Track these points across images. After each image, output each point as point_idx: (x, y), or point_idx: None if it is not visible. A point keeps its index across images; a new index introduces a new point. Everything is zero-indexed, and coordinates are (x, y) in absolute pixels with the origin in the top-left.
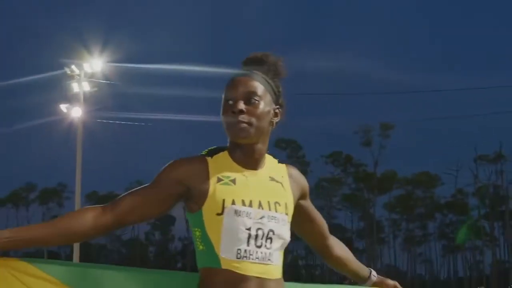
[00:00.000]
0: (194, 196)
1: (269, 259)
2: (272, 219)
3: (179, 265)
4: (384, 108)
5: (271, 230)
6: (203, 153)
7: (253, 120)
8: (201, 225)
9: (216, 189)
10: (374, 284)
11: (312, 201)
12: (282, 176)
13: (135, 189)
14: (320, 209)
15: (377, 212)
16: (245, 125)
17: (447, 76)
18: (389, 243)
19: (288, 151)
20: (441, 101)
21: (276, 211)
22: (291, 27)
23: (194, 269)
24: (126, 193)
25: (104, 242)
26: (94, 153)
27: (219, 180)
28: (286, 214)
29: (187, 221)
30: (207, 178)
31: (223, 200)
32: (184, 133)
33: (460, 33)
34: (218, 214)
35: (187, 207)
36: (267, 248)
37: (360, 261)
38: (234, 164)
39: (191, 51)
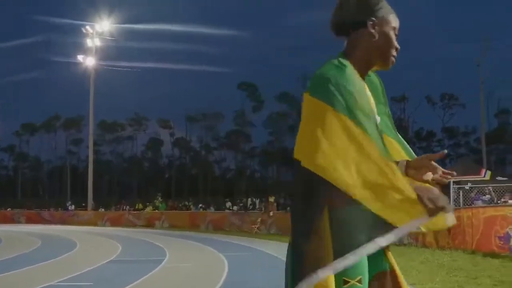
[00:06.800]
0: None
1: None
2: None
3: (166, 175)
4: (321, 58)
5: None
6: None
7: None
8: None
9: None
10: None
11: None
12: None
13: None
14: (271, 134)
15: None
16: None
17: None
18: None
19: (247, 92)
20: None
21: None
22: None
23: (178, 179)
24: None
25: (110, 159)
26: (103, 91)
27: None
28: None
29: (172, 143)
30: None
31: None
32: (168, 78)
33: None
34: None
35: None
36: None
37: None
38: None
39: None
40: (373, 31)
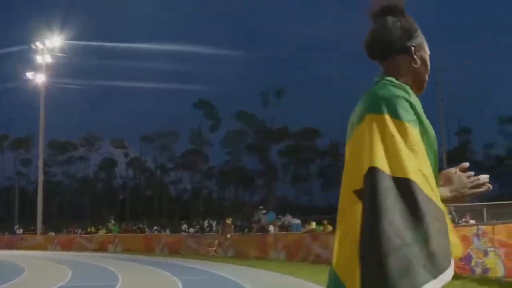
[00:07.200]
0: None
1: None
2: None
3: (120, 197)
4: (280, 77)
5: None
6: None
7: None
8: None
9: None
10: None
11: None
12: None
13: None
14: (228, 154)
15: (273, 157)
16: None
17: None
18: (281, 180)
19: (204, 110)
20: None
21: None
22: None
23: (132, 201)
24: None
25: (62, 179)
26: (54, 110)
27: None
28: None
29: (126, 164)
30: None
31: None
32: (121, 96)
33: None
34: None
35: None
36: None
37: (259, 194)
38: None
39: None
40: (415, 57)
